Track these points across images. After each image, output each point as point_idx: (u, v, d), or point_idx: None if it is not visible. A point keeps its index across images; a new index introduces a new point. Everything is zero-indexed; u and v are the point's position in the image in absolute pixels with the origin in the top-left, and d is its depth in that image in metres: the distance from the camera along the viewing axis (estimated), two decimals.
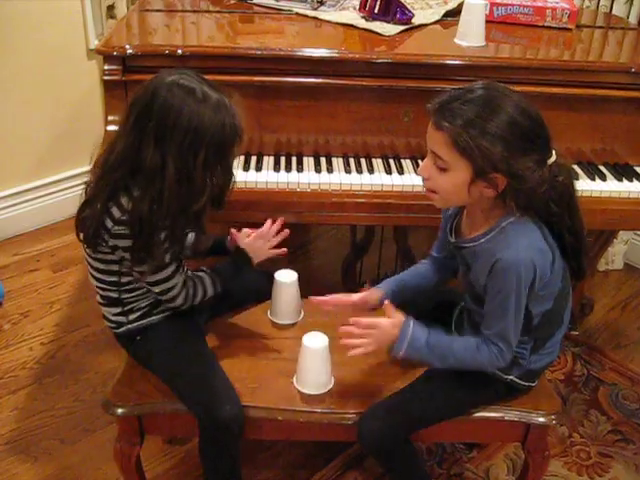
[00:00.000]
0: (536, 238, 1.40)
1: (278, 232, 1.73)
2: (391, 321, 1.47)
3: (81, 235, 1.50)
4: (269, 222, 1.73)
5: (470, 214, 1.49)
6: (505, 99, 1.32)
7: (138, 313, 1.60)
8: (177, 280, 1.54)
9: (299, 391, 1.57)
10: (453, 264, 1.64)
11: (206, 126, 1.39)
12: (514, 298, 1.38)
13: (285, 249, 1.73)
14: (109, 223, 1.44)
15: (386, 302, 1.50)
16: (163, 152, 1.39)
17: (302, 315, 1.79)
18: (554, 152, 1.37)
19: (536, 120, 1.34)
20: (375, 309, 1.62)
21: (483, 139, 1.29)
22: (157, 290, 1.54)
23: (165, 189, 1.40)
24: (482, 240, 1.43)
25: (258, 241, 1.71)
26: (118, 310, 1.60)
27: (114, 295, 1.58)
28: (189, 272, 1.65)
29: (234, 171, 1.55)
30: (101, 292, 1.60)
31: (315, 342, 1.54)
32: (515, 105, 1.32)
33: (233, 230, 1.72)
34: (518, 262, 1.36)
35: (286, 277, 1.75)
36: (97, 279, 1.58)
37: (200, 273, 1.65)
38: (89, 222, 1.45)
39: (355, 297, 1.62)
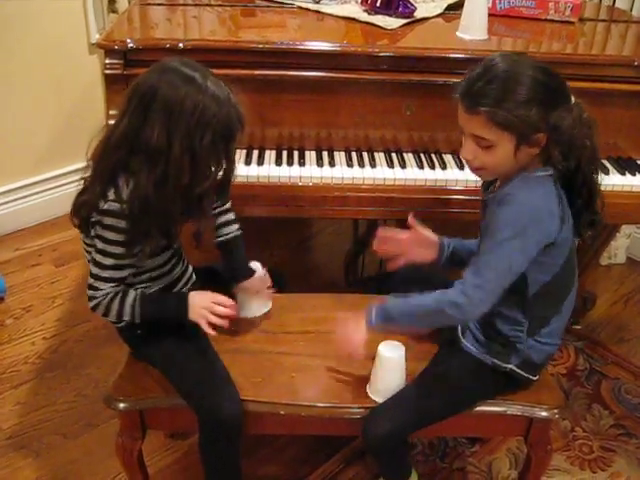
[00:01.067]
0: (550, 195, 1.42)
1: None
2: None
3: (76, 221, 1.49)
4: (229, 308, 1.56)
5: (505, 174, 1.49)
6: (522, 65, 1.38)
7: None
8: (105, 286, 1.48)
9: (302, 386, 1.57)
10: None
11: (212, 110, 1.38)
12: (506, 233, 1.37)
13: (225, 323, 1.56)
14: (103, 204, 1.42)
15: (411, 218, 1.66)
16: (169, 132, 1.38)
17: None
18: (571, 95, 1.41)
19: (553, 74, 1.39)
20: None
21: (518, 108, 1.33)
22: (90, 278, 1.49)
23: (170, 169, 1.39)
24: (505, 187, 1.45)
25: (208, 303, 1.54)
26: None
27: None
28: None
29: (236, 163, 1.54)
30: None
31: (392, 351, 1.53)
32: (532, 67, 1.37)
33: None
34: (524, 201, 1.38)
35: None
36: None
37: (130, 292, 1.51)
38: (86, 206, 1.45)
39: (421, 228, 1.68)
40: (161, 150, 1.38)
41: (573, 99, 1.41)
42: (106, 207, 1.42)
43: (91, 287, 1.49)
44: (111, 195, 1.42)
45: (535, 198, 1.39)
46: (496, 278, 1.40)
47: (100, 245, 1.45)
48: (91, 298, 1.50)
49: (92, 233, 1.47)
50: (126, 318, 1.52)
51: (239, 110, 1.44)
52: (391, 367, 1.53)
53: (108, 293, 1.49)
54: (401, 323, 1.50)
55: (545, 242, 1.40)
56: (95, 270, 1.48)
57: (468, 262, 1.53)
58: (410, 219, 1.69)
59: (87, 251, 1.54)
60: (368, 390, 1.56)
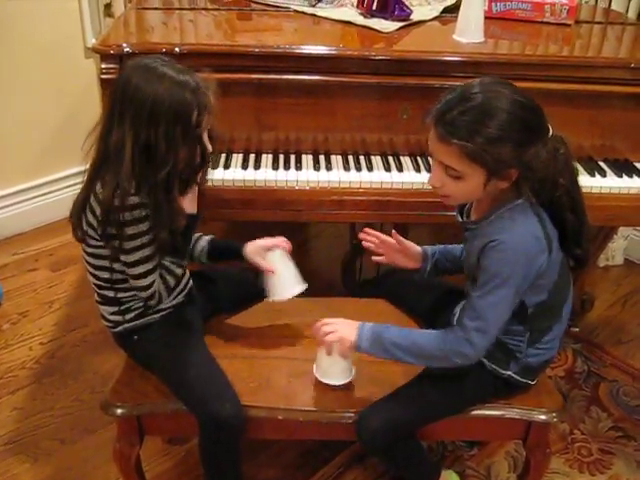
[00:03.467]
0: (533, 226, 1.40)
1: None
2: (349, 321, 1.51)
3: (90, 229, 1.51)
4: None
5: (479, 200, 1.49)
6: (500, 97, 1.31)
7: (134, 312, 1.60)
8: (152, 265, 1.52)
9: (299, 389, 1.57)
10: None
11: (163, 99, 1.39)
12: (499, 280, 1.37)
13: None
14: (89, 215, 1.47)
15: (394, 233, 1.66)
16: (123, 130, 1.41)
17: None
18: (550, 127, 1.38)
19: (533, 108, 1.34)
20: None
21: (491, 144, 1.29)
22: (134, 273, 1.51)
23: (124, 165, 1.41)
24: (483, 223, 1.44)
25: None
26: (115, 309, 1.59)
27: (110, 294, 1.58)
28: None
29: (207, 145, 1.53)
30: (98, 290, 1.60)
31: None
32: (511, 101, 1.31)
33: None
34: (510, 245, 1.36)
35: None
36: (93, 276, 1.58)
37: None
38: (75, 215, 1.50)
39: (403, 241, 1.69)
40: (118, 148, 1.41)
41: (551, 131, 1.37)
42: (131, 201, 1.43)
43: (146, 287, 1.51)
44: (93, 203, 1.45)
45: (521, 240, 1.37)
46: (495, 319, 1.40)
47: (132, 243, 1.46)
48: (149, 291, 1.52)
49: (113, 234, 1.46)
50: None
51: (196, 98, 1.43)
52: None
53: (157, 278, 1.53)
54: (391, 355, 1.47)
55: (538, 270, 1.40)
56: (139, 269, 1.49)
57: (452, 269, 1.62)
58: (393, 234, 1.69)
59: (89, 263, 1.56)
60: (315, 372, 1.57)
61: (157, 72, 1.42)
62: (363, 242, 1.73)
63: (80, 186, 1.52)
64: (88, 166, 1.49)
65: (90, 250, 1.53)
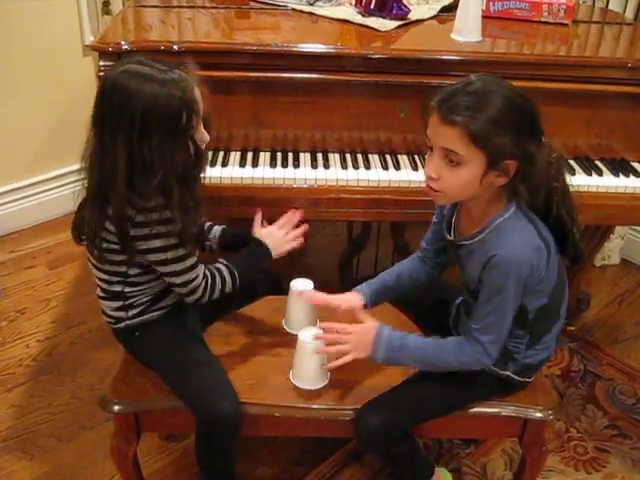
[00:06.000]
0: (531, 235, 1.40)
1: (298, 225, 1.72)
2: (364, 326, 1.51)
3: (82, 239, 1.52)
4: (290, 213, 1.73)
5: (467, 210, 1.48)
6: (501, 87, 1.35)
7: (138, 309, 1.59)
8: (199, 271, 1.53)
9: (295, 386, 1.57)
10: (443, 258, 1.67)
11: (151, 100, 1.37)
12: (505, 294, 1.38)
13: (302, 240, 1.71)
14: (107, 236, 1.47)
15: (359, 309, 1.56)
16: (114, 143, 1.39)
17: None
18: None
19: (531, 103, 1.36)
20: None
21: (495, 127, 1.30)
22: (178, 281, 1.51)
23: (119, 182, 1.39)
24: (477, 238, 1.44)
25: (278, 232, 1.70)
26: (119, 304, 1.59)
27: (117, 288, 1.57)
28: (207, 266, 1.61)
29: (200, 146, 1.51)
30: (104, 285, 1.59)
31: (309, 336, 1.54)
32: (512, 91, 1.35)
33: (258, 217, 1.71)
34: (512, 259, 1.36)
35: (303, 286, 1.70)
36: (103, 271, 1.56)
37: (218, 265, 1.61)
38: (90, 239, 1.49)
39: (338, 302, 1.59)
40: (112, 167, 1.39)
41: (544, 138, 1.38)
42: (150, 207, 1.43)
43: (190, 282, 1.51)
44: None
45: (517, 250, 1.37)
46: (505, 327, 1.44)
47: (167, 242, 1.45)
48: (196, 289, 1.53)
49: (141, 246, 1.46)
50: (228, 288, 1.58)
51: (185, 96, 1.40)
52: (308, 352, 1.54)
53: (205, 275, 1.54)
54: (408, 362, 1.52)
55: (540, 274, 1.41)
56: (180, 266, 1.49)
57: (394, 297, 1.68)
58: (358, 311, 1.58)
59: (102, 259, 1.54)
60: (291, 377, 1.58)
61: (139, 73, 1.38)
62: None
63: (78, 185, 1.51)
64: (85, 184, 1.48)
65: (105, 245, 1.50)
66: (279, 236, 1.69)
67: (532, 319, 1.48)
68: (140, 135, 1.38)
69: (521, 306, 1.44)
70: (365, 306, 1.61)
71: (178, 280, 1.51)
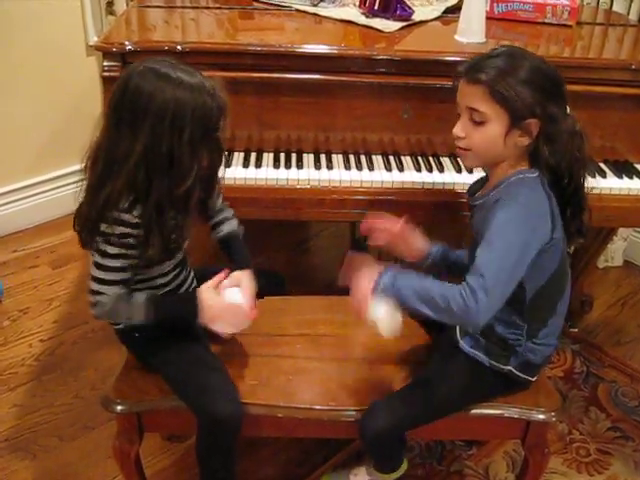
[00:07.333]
0: (539, 195, 1.43)
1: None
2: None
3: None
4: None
5: (492, 178, 1.51)
6: (528, 53, 1.45)
7: None
8: (110, 291, 1.44)
9: (296, 387, 1.56)
10: None
11: (185, 107, 1.35)
12: (501, 235, 1.37)
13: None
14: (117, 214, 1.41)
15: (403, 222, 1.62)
16: (135, 140, 1.35)
17: None
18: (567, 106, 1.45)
19: (557, 72, 1.43)
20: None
21: (518, 84, 1.37)
22: (89, 286, 1.45)
23: (124, 176, 1.37)
24: (492, 192, 1.47)
25: (240, 309, 1.52)
26: None
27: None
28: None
29: (224, 157, 1.51)
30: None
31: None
32: (536, 56, 1.44)
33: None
34: (513, 203, 1.39)
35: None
36: None
37: (138, 296, 1.48)
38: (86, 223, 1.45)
39: (411, 232, 1.65)
40: (129, 158, 1.36)
41: (568, 109, 1.43)
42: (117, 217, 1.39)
43: (95, 292, 1.45)
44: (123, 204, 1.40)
45: (526, 200, 1.40)
46: (500, 283, 1.36)
47: (107, 248, 1.42)
48: (95, 304, 1.45)
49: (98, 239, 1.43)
50: (136, 319, 1.47)
51: (216, 103, 1.39)
52: None
53: (114, 295, 1.45)
54: (406, 299, 1.40)
55: (542, 242, 1.41)
56: (97, 272, 1.44)
57: (451, 270, 1.62)
58: (404, 220, 1.64)
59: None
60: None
61: (170, 77, 1.36)
62: (363, 231, 1.67)
63: (81, 185, 1.50)
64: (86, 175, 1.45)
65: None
66: (232, 314, 1.52)
67: (529, 303, 1.48)
68: (171, 132, 1.35)
69: (520, 285, 1.41)
70: (427, 255, 1.66)
71: (89, 284, 1.46)
